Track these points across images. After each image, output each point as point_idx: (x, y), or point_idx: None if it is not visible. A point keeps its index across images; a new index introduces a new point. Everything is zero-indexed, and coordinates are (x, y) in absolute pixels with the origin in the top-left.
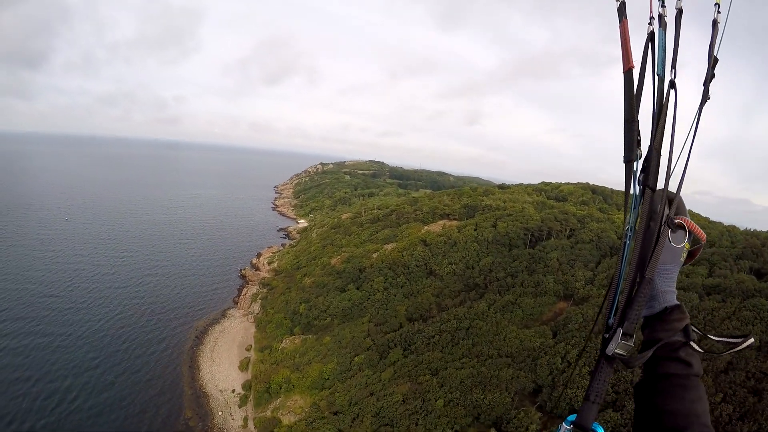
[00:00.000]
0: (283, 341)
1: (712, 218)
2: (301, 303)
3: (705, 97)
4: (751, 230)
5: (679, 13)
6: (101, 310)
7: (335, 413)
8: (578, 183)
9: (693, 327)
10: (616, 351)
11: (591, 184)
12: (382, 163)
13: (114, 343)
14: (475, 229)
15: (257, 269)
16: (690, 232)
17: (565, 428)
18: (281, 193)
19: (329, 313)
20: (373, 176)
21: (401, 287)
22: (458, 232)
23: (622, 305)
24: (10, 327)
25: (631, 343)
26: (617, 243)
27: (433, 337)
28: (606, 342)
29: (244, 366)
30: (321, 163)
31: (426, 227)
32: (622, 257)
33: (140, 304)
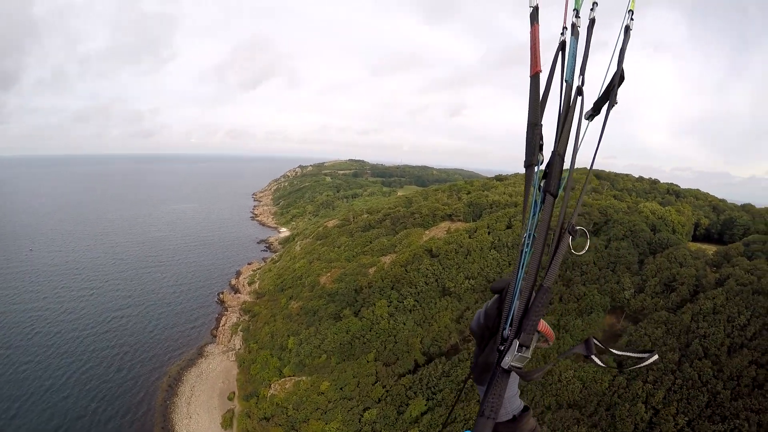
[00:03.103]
0: (272, 386)
1: None
2: (289, 336)
3: (612, 102)
4: None
5: (592, 22)
6: (64, 362)
7: None
8: (579, 168)
9: (595, 340)
10: (512, 363)
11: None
12: (363, 161)
13: (79, 404)
14: (489, 233)
15: (237, 291)
16: (540, 333)
17: None
18: (260, 201)
19: (324, 349)
20: (354, 175)
21: (410, 312)
22: (469, 237)
23: (518, 316)
24: None
25: (528, 355)
26: (655, 239)
27: (465, 381)
28: (501, 354)
29: (227, 422)
30: (300, 166)
31: (427, 232)
32: (520, 265)
33: (109, 352)
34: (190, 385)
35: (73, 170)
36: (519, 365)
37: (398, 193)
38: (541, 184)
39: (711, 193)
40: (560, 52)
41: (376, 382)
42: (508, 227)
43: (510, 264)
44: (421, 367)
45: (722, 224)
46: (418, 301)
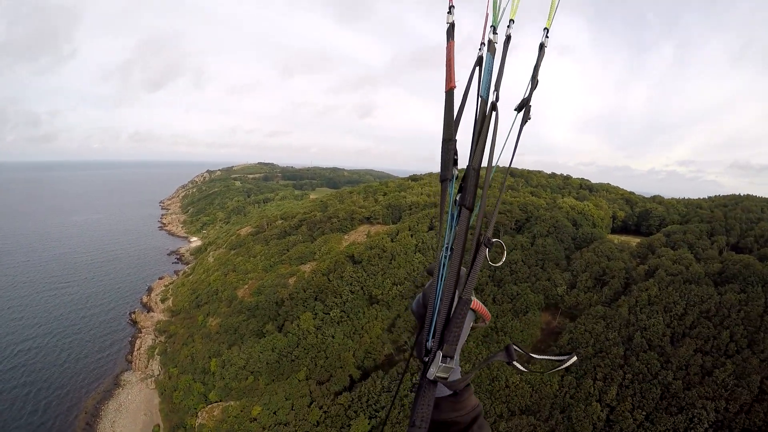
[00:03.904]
0: (199, 414)
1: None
2: (210, 357)
3: (525, 117)
4: (685, 198)
5: (508, 39)
6: None
7: None
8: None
9: (516, 346)
10: (437, 374)
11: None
12: (273, 164)
13: None
14: (412, 235)
15: (150, 310)
16: (476, 311)
17: None
18: (168, 209)
19: (250, 369)
20: (264, 179)
21: (338, 323)
22: (392, 240)
23: (440, 327)
24: None
25: (452, 365)
26: (578, 234)
27: (406, 395)
28: (426, 366)
29: None
30: (208, 171)
31: (347, 237)
32: (439, 277)
33: (19, 391)
34: (110, 420)
35: None
36: (444, 375)
37: (311, 196)
38: (457, 198)
39: (620, 187)
40: (477, 68)
41: (311, 403)
42: (431, 228)
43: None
44: (357, 383)
45: (638, 216)
46: (345, 312)
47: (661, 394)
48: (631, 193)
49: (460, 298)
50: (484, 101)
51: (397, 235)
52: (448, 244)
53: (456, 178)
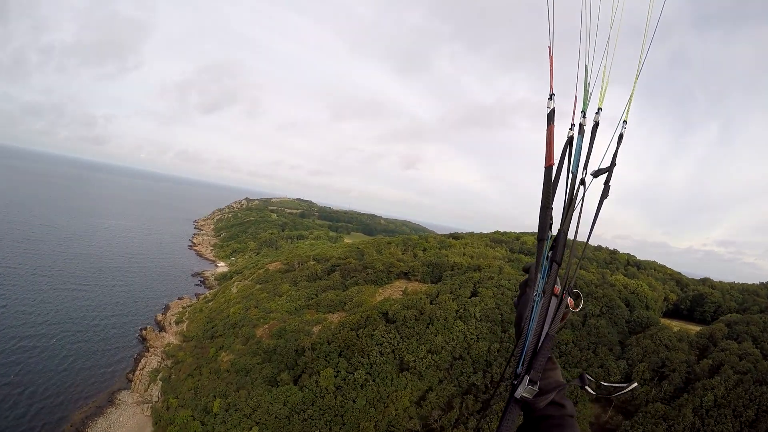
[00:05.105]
0: None
1: None
2: (215, 397)
3: (605, 193)
4: (740, 284)
5: (596, 125)
6: None
7: None
8: (535, 233)
9: (588, 375)
10: (523, 394)
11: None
12: (311, 202)
13: None
14: (454, 300)
15: (162, 329)
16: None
17: None
18: (201, 229)
19: (255, 420)
20: (301, 216)
21: (362, 387)
22: (431, 303)
23: (529, 356)
24: None
25: (535, 388)
26: (633, 317)
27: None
28: (514, 388)
29: None
30: (246, 199)
31: (381, 291)
32: (531, 317)
33: (10, 389)
34: None
35: (11, 164)
36: (528, 396)
37: (345, 240)
38: (548, 255)
39: (666, 265)
40: (568, 147)
41: None
42: (474, 294)
43: (479, 338)
44: None
45: (691, 300)
46: (371, 375)
47: None
48: (679, 273)
49: (547, 333)
50: (574, 176)
51: (437, 297)
52: (539, 290)
53: (549, 239)
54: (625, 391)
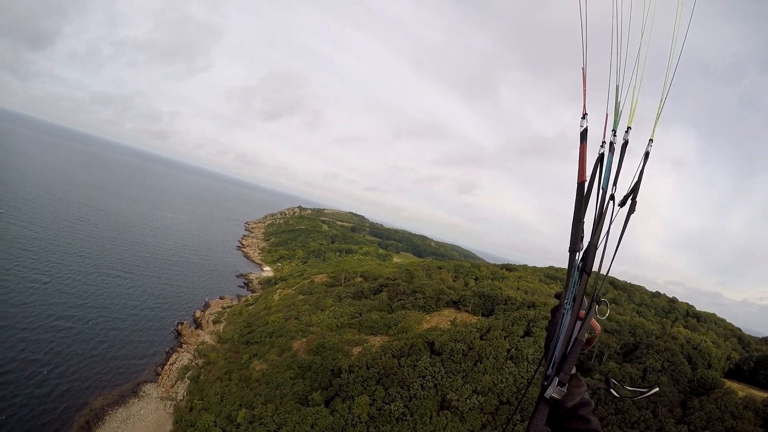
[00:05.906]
0: None
1: None
2: (241, 406)
3: (631, 209)
4: None
5: (625, 143)
6: None
7: None
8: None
9: (612, 380)
10: (552, 395)
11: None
12: (363, 217)
13: None
14: (506, 338)
15: (199, 326)
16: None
17: None
18: (251, 232)
19: None
20: (352, 230)
21: (398, 420)
22: (481, 338)
23: (558, 360)
24: None
25: (564, 389)
26: (696, 376)
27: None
28: (544, 388)
29: None
30: (299, 207)
31: (429, 317)
32: (561, 323)
33: (38, 362)
34: (112, 429)
35: (82, 148)
36: (558, 396)
37: (394, 259)
38: (579, 265)
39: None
40: (599, 164)
41: None
42: (527, 334)
43: (530, 383)
44: None
45: (756, 362)
46: (409, 409)
47: None
48: (739, 329)
49: (576, 339)
50: (604, 192)
51: (488, 332)
52: (570, 299)
53: (580, 250)
54: (646, 395)
